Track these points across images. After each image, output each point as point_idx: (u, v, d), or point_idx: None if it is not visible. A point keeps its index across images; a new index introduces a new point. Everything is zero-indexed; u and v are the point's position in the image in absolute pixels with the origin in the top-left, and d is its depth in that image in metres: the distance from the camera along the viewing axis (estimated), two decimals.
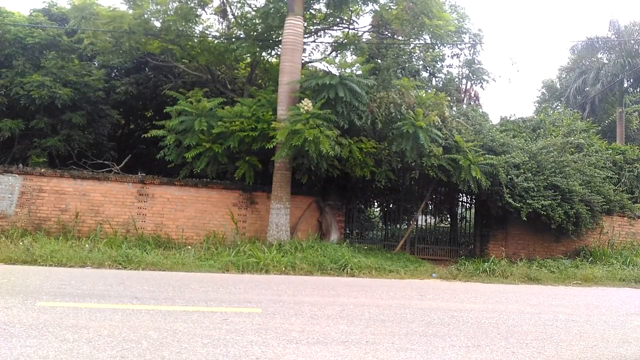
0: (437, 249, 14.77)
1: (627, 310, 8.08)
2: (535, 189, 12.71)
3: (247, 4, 14.61)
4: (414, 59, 17.47)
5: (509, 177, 12.67)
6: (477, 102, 19.28)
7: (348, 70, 11.79)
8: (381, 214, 17.82)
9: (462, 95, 18.90)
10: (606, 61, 26.74)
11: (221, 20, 14.83)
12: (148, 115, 17.47)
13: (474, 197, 14.61)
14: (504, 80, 60.54)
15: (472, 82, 19.52)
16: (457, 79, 19.16)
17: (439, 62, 18.60)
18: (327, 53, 16.26)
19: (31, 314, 5.36)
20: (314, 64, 15.23)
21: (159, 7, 13.46)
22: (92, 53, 14.92)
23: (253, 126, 11.60)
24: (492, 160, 12.53)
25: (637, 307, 8.43)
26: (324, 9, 14.81)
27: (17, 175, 11.84)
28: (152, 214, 12.34)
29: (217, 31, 15.07)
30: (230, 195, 12.82)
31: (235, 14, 14.77)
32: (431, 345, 5.11)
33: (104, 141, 15.43)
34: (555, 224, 12.79)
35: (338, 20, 15.06)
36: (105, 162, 13.81)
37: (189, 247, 11.24)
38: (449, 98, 14.10)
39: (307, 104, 10.90)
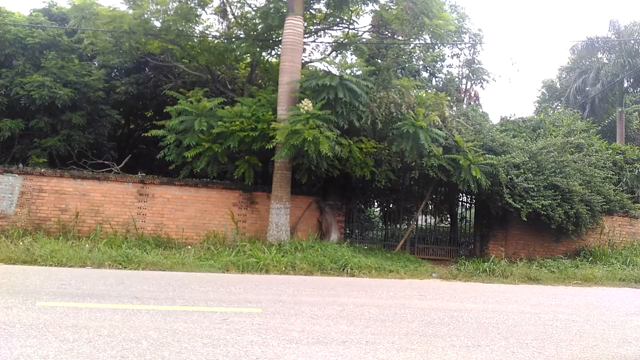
0: (437, 249, 14.77)
1: (627, 310, 8.08)
2: (535, 189, 12.70)
3: (247, 4, 14.63)
4: (414, 59, 17.48)
5: (509, 177, 12.66)
6: (477, 102, 19.30)
7: (348, 71, 11.79)
8: (381, 214, 17.82)
9: (462, 95, 18.91)
10: (606, 61, 26.73)
11: (221, 20, 14.83)
12: (148, 115, 17.46)
13: (474, 197, 14.61)
14: (504, 80, 60.77)
15: (472, 82, 19.55)
16: (457, 79, 19.17)
17: (439, 62, 18.63)
18: (327, 53, 16.28)
19: (31, 314, 5.36)
20: (314, 64, 15.23)
21: (159, 7, 13.45)
22: (92, 53, 14.91)
23: (253, 126, 11.59)
24: (492, 160, 12.52)
25: (637, 307, 8.42)
26: (324, 9, 14.81)
27: (17, 175, 11.84)
28: (152, 213, 12.34)
29: (217, 31, 15.08)
30: (230, 195, 12.82)
31: (235, 14, 14.77)
32: (431, 345, 5.11)
33: (104, 141, 15.42)
34: (555, 224, 12.78)
35: (338, 20, 15.06)
36: (105, 162, 13.80)
37: (189, 247, 11.24)
38: (449, 98, 14.09)
39: (307, 104, 10.90)
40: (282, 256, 10.49)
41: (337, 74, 11.60)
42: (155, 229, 12.19)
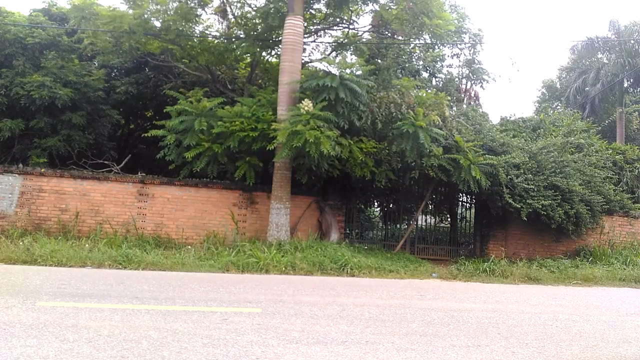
0: (437, 249, 14.77)
1: (627, 310, 8.08)
2: (535, 189, 12.70)
3: (247, 4, 14.63)
4: (414, 59, 17.48)
5: (509, 177, 12.66)
6: (477, 102, 19.29)
7: (348, 71, 11.79)
8: (381, 214, 17.82)
9: (462, 95, 18.90)
10: (606, 61, 26.72)
11: (221, 20, 14.82)
12: (148, 115, 17.46)
13: (474, 197, 14.61)
14: (504, 80, 60.74)
15: (472, 82, 19.54)
16: (457, 79, 19.16)
17: (439, 62, 18.62)
18: (327, 53, 16.27)
19: (31, 314, 5.36)
20: (314, 64, 15.23)
21: (159, 7, 13.45)
22: (92, 53, 14.91)
23: (253, 126, 11.59)
24: (492, 160, 12.53)
25: (637, 307, 8.43)
26: (324, 9, 14.81)
27: (17, 175, 11.84)
28: (152, 213, 12.34)
29: (217, 31, 15.08)
30: (230, 195, 12.82)
31: (235, 14, 14.77)
32: (431, 345, 5.11)
33: (104, 141, 15.42)
34: (555, 224, 12.78)
35: (338, 20, 15.06)
36: (105, 162, 13.80)
37: (189, 247, 11.24)
38: (449, 98, 14.09)
39: (307, 105, 10.89)
40: (282, 256, 10.49)
41: (337, 73, 11.59)
42: (155, 229, 12.19)
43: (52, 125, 13.65)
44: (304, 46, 14.00)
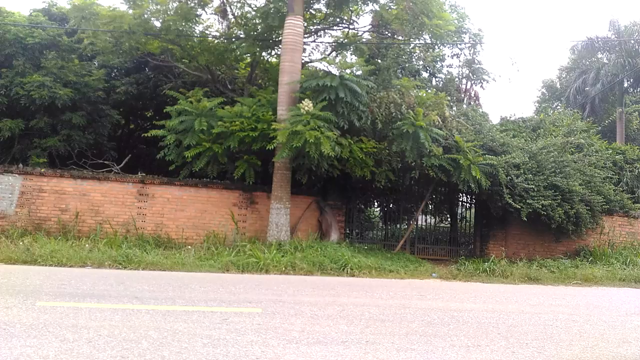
0: (437, 249, 14.77)
1: (627, 310, 8.08)
2: (535, 189, 12.70)
3: (247, 4, 14.63)
4: (414, 59, 17.46)
5: (508, 177, 12.66)
6: (477, 102, 19.27)
7: (348, 71, 11.80)
8: (381, 214, 17.82)
9: (462, 95, 18.89)
10: (606, 61, 26.73)
11: (221, 20, 14.82)
12: (148, 115, 17.46)
13: (474, 197, 14.61)
14: (504, 80, 60.76)
15: (472, 82, 19.52)
16: (457, 79, 19.15)
17: (439, 62, 18.60)
18: (327, 53, 16.28)
19: (31, 314, 5.36)
20: (314, 64, 15.24)
21: (159, 7, 13.46)
22: (92, 53, 14.91)
23: (253, 126, 11.60)
24: (492, 160, 12.52)
25: (637, 307, 8.42)
26: (324, 9, 14.81)
27: (17, 175, 11.84)
28: (152, 213, 12.34)
29: (217, 31, 15.08)
30: (230, 195, 12.82)
31: (235, 14, 14.77)
32: (431, 345, 5.11)
33: (104, 141, 15.41)
34: (555, 224, 12.78)
35: (338, 20, 15.06)
36: (105, 162, 13.80)
37: (189, 247, 11.23)
38: (449, 98, 14.09)
39: (307, 105, 10.89)
40: (282, 256, 10.49)
41: (337, 73, 11.59)
42: (155, 229, 12.19)
43: (52, 125, 13.64)
44: (304, 46, 14.00)
